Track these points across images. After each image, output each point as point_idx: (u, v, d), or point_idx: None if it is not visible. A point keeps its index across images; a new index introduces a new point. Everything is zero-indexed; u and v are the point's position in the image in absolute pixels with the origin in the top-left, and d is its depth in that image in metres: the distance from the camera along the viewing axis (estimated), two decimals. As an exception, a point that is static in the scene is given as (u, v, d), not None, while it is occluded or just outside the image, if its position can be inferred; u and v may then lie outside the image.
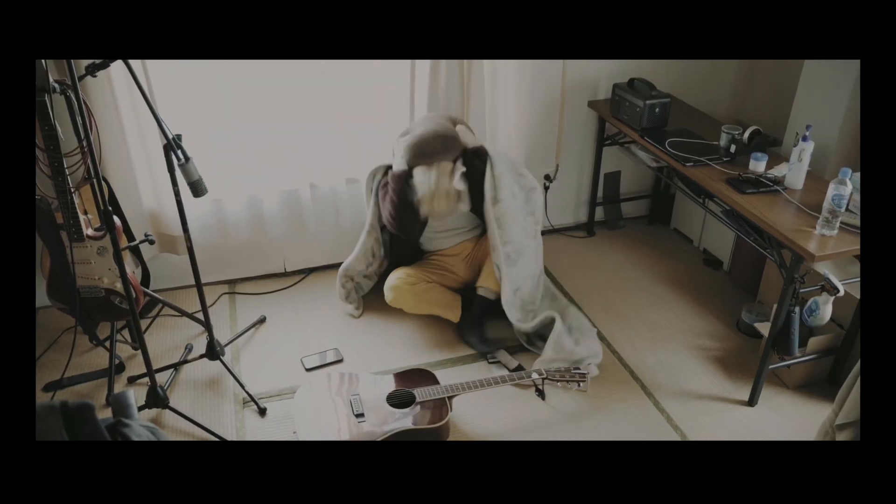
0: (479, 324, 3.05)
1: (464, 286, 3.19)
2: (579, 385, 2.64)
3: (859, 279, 2.55)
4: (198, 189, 2.28)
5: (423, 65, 3.07)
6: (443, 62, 3.06)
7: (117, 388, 2.76)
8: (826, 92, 2.90)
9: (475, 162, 2.89)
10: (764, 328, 2.85)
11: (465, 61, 3.09)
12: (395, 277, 3.07)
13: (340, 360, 2.94)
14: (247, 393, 2.71)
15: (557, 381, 2.64)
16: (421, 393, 2.55)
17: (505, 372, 2.87)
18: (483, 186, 2.90)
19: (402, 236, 3.06)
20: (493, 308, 3.02)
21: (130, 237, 2.92)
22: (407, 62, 3.13)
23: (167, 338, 3.06)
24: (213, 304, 3.29)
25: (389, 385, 2.61)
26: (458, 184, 2.84)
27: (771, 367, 2.68)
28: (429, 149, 2.81)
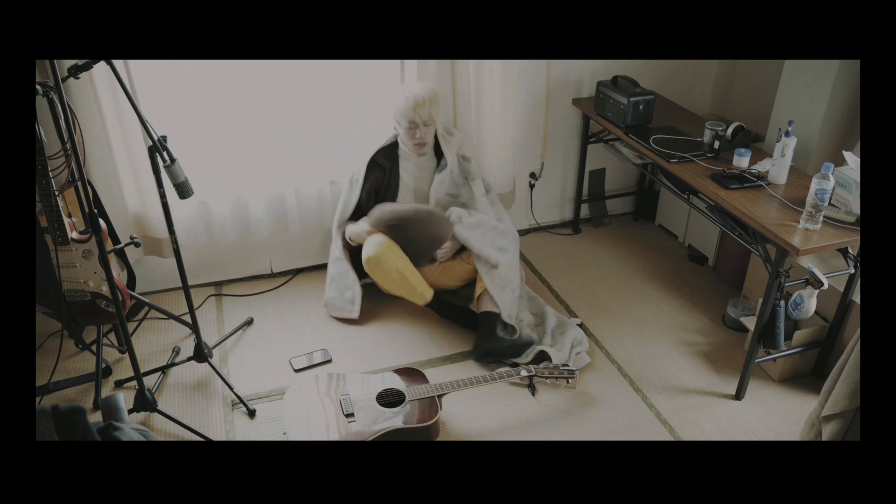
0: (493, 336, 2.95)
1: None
2: (568, 382, 2.65)
3: (843, 272, 2.58)
4: (184, 191, 2.27)
5: (412, 66, 3.07)
6: (432, 64, 3.06)
7: (104, 393, 2.74)
8: (807, 87, 2.93)
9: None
10: (750, 322, 2.88)
11: (453, 62, 3.09)
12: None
13: (329, 361, 2.93)
14: (235, 395, 2.70)
15: (547, 378, 2.66)
16: (410, 392, 2.55)
17: (494, 370, 2.87)
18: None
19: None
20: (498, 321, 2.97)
21: (116, 240, 2.90)
22: (395, 65, 3.13)
23: (154, 341, 3.04)
24: (200, 306, 3.27)
25: (379, 384, 2.61)
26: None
27: (757, 360, 2.70)
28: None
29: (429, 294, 3.03)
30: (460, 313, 3.10)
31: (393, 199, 3.13)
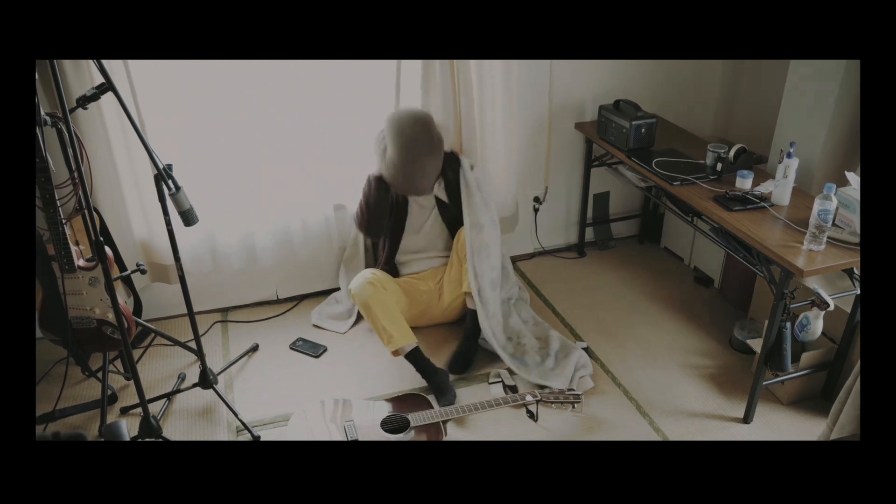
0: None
1: (432, 317, 3.22)
2: (574, 406, 2.64)
3: (849, 293, 2.57)
4: (189, 218, 2.28)
5: (414, 89, 3.10)
6: (433, 86, 3.08)
7: (109, 419, 2.74)
8: (808, 109, 2.94)
9: (447, 172, 3.01)
10: (756, 344, 2.87)
11: (455, 87, 3.12)
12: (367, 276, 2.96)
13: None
14: (240, 421, 2.69)
15: (552, 402, 2.64)
16: (415, 418, 2.54)
17: (498, 395, 2.86)
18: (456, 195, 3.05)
19: (365, 234, 3.21)
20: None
21: (122, 267, 2.92)
22: (392, 91, 3.16)
23: (160, 367, 3.05)
24: (206, 332, 3.28)
25: (383, 410, 2.60)
26: (440, 193, 3.05)
27: (765, 383, 2.68)
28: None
29: (404, 344, 2.87)
30: (431, 372, 2.88)
31: (403, 218, 3.08)
